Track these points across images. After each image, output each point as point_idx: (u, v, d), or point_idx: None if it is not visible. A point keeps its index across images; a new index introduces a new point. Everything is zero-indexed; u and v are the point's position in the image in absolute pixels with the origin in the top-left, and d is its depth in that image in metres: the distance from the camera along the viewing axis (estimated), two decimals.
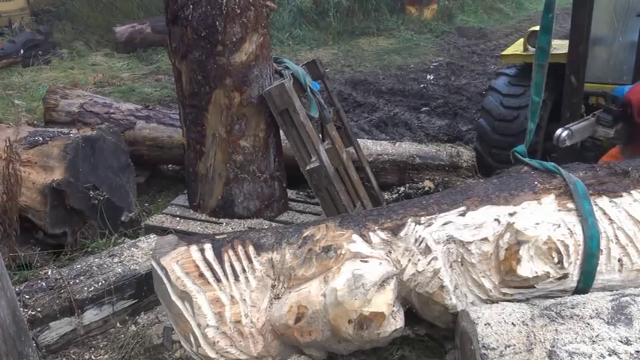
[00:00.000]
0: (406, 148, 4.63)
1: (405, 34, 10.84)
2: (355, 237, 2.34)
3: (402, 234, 2.34)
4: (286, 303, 2.26)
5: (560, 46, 3.82)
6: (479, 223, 2.29)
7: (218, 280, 2.29)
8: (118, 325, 2.89)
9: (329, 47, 10.30)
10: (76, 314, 2.73)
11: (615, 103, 3.15)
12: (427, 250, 2.27)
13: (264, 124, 3.74)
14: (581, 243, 2.24)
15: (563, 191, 2.37)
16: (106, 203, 3.70)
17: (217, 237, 2.46)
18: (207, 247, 2.36)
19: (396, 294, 2.26)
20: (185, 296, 2.25)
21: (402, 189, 4.49)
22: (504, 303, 2.21)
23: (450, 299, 2.24)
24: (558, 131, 3.16)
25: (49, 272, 2.97)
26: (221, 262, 2.33)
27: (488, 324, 2.05)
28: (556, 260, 2.20)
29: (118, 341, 2.78)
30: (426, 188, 4.44)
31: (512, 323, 2.05)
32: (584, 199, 2.30)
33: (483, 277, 2.26)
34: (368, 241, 2.34)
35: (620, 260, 2.27)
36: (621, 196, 2.35)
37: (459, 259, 2.28)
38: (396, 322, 2.24)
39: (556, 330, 2.00)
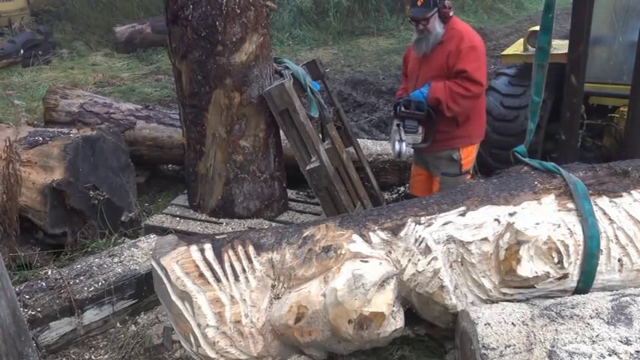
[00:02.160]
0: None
1: (405, 34, 10.83)
2: (355, 237, 2.34)
3: (402, 234, 2.34)
4: (286, 303, 2.26)
5: (560, 46, 3.82)
6: (479, 223, 2.29)
7: (218, 280, 2.29)
8: (118, 325, 2.89)
9: (329, 47, 10.30)
10: (76, 314, 2.73)
11: (420, 109, 3.20)
12: (427, 250, 2.27)
13: (264, 124, 3.74)
14: (581, 243, 2.24)
15: (563, 191, 2.37)
16: (106, 203, 3.71)
17: (217, 237, 2.46)
18: (207, 247, 2.36)
19: (396, 294, 2.26)
20: (185, 296, 2.25)
21: (402, 189, 4.50)
22: (504, 303, 2.21)
23: (450, 299, 2.24)
24: (397, 146, 3.26)
25: (49, 272, 2.98)
26: (221, 262, 2.33)
27: (488, 324, 2.05)
28: (556, 260, 2.20)
29: (118, 341, 2.78)
30: None
31: (512, 323, 2.05)
32: (584, 199, 2.30)
33: (483, 277, 2.26)
34: (368, 241, 2.34)
35: (620, 260, 2.27)
36: (621, 196, 2.35)
37: (459, 259, 2.28)
38: (396, 322, 2.24)
39: (556, 330, 2.00)
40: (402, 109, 3.24)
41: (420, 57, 3.29)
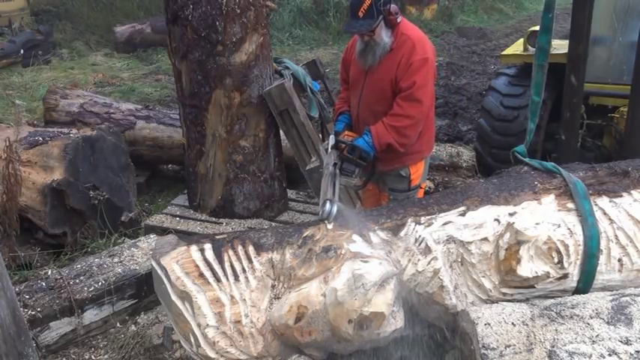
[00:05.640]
0: None
1: None
2: (355, 237, 2.34)
3: (402, 234, 2.34)
4: (286, 303, 2.26)
5: (560, 46, 3.82)
6: (479, 223, 2.29)
7: (218, 280, 2.29)
8: (118, 325, 2.89)
9: (329, 47, 10.30)
10: (76, 314, 2.73)
11: (366, 157, 2.85)
12: (427, 250, 2.27)
13: (264, 124, 3.74)
14: (581, 243, 2.24)
15: (563, 191, 2.37)
16: (106, 203, 3.70)
17: (217, 237, 2.45)
18: (207, 247, 2.36)
19: (396, 294, 2.26)
20: (185, 296, 2.25)
21: None
22: (504, 303, 2.21)
23: (450, 299, 2.24)
24: (327, 207, 2.49)
25: (49, 272, 2.98)
26: (221, 262, 2.33)
27: (488, 324, 2.05)
28: (556, 260, 2.20)
29: (118, 341, 2.78)
30: (426, 188, 4.44)
31: (512, 323, 2.05)
32: (584, 199, 2.30)
33: (483, 277, 2.26)
34: (368, 240, 2.34)
35: (620, 260, 2.27)
36: (621, 196, 2.35)
37: (459, 259, 2.28)
38: (396, 322, 2.24)
39: (556, 330, 2.00)
40: (345, 152, 2.88)
41: (366, 68, 2.96)
